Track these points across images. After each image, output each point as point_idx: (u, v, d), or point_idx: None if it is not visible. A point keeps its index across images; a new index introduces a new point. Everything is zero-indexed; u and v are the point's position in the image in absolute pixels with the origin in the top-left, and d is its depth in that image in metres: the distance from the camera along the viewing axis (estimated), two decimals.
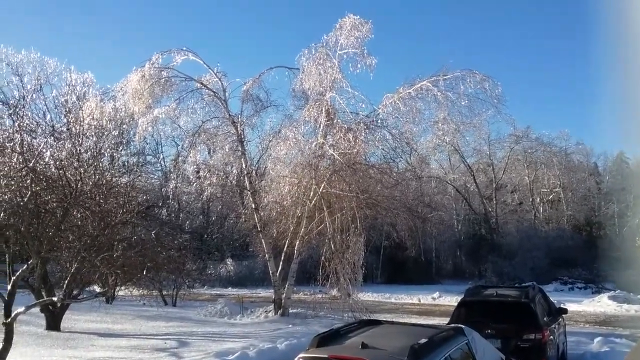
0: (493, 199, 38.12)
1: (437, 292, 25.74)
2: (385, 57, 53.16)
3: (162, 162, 38.51)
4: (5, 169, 11.27)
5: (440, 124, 18.32)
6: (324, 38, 18.62)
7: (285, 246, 18.67)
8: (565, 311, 11.28)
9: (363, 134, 17.69)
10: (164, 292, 20.87)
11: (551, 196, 38.99)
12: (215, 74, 19.43)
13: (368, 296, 22.67)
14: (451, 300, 21.35)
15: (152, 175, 34.00)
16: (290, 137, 18.42)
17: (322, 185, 17.10)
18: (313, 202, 17.46)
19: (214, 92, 19.29)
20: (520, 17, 71.25)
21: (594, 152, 43.59)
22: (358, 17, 18.27)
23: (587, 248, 32.13)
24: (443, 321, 10.94)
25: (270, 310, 18.55)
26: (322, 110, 18.07)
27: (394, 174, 19.30)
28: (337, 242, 16.67)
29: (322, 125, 18.16)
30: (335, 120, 18.08)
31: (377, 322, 6.69)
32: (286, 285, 18.57)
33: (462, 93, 17.00)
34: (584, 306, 21.32)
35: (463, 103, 17.11)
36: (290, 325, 16.03)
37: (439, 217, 31.67)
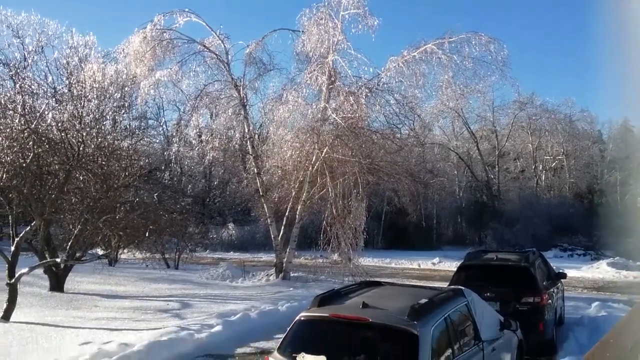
0: (495, 166, 38.10)
1: (437, 258, 25.94)
2: (389, 19, 52.28)
3: (164, 125, 38.50)
4: (7, 130, 11.25)
5: (444, 88, 18.12)
6: None
7: (287, 211, 18.73)
8: (564, 276, 11.36)
9: (366, 98, 17.56)
10: (167, 256, 21.06)
11: (554, 164, 38.92)
12: (218, 36, 19.16)
13: (369, 261, 22.86)
14: (451, 266, 21.51)
15: (154, 139, 34.12)
16: (292, 101, 18.23)
17: (325, 150, 17.02)
18: (315, 166, 17.42)
19: (216, 54, 19.06)
20: None
21: (598, 119, 43.31)
22: None
23: (588, 216, 32.21)
24: (442, 285, 11.03)
25: (271, 274, 18.75)
26: (324, 72, 17.83)
27: (397, 140, 19.17)
28: (339, 207, 16.70)
29: (324, 89, 17.97)
30: (338, 84, 17.88)
31: (378, 283, 6.73)
32: (287, 250, 18.72)
33: (467, 56, 16.86)
34: (583, 272, 21.49)
35: (468, 66, 16.99)
36: (291, 289, 16.22)
37: (441, 184, 31.62)
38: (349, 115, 17.00)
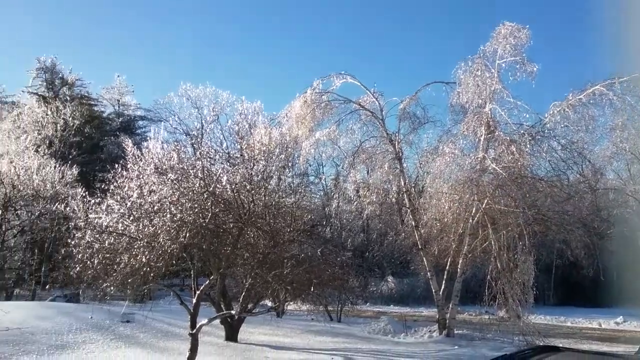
0: None
1: (621, 316, 23.29)
2: (547, 65, 49.91)
3: (323, 182, 40.09)
4: (190, 193, 12.57)
5: (618, 131, 16.69)
6: (480, 49, 18.12)
7: (448, 264, 18.26)
8: None
9: (528, 145, 16.77)
10: (329, 308, 21.52)
11: None
12: (372, 94, 19.84)
13: (540, 319, 21.24)
14: (638, 326, 19.12)
15: (315, 195, 35.60)
16: (448, 153, 18.05)
17: (485, 201, 16.43)
18: (475, 218, 16.86)
19: (371, 112, 19.69)
20: None
21: None
22: (515, 24, 17.54)
23: None
24: (630, 349, 9.88)
25: (434, 330, 18.21)
26: (481, 122, 17.47)
27: (565, 187, 17.90)
28: (504, 261, 15.85)
29: (482, 139, 17.55)
30: (497, 133, 17.34)
31: (556, 349, 6.21)
32: (450, 305, 18.08)
33: None
34: None
35: None
36: (455, 347, 15.58)
37: (619, 233, 28.53)
38: (510, 164, 16.31)
